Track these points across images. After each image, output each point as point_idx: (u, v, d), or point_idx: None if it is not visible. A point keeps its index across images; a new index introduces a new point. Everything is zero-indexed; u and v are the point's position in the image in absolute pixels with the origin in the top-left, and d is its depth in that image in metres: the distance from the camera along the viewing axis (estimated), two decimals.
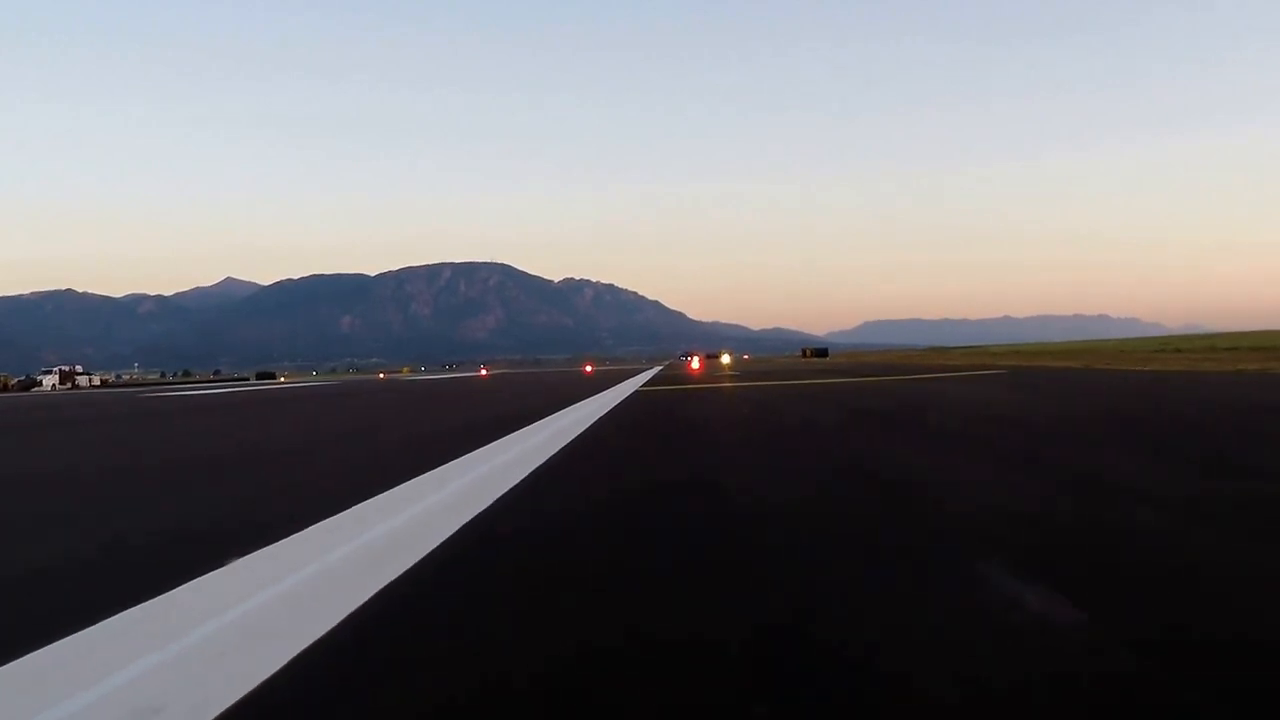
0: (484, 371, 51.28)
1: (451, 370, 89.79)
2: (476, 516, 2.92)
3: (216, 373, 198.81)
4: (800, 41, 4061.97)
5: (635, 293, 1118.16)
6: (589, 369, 43.02)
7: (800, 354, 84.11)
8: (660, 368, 39.61)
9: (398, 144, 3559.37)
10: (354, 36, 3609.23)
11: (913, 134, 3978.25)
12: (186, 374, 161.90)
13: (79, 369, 74.63)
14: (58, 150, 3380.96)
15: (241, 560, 2.29)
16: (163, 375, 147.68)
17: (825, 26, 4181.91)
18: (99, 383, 73.61)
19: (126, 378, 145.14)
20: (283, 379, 65.94)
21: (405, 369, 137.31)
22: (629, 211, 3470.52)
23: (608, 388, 14.10)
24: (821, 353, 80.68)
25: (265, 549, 2.42)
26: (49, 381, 64.78)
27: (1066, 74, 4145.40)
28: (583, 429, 5.68)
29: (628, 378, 22.06)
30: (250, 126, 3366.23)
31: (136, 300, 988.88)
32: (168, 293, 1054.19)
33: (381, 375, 62.34)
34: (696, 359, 49.11)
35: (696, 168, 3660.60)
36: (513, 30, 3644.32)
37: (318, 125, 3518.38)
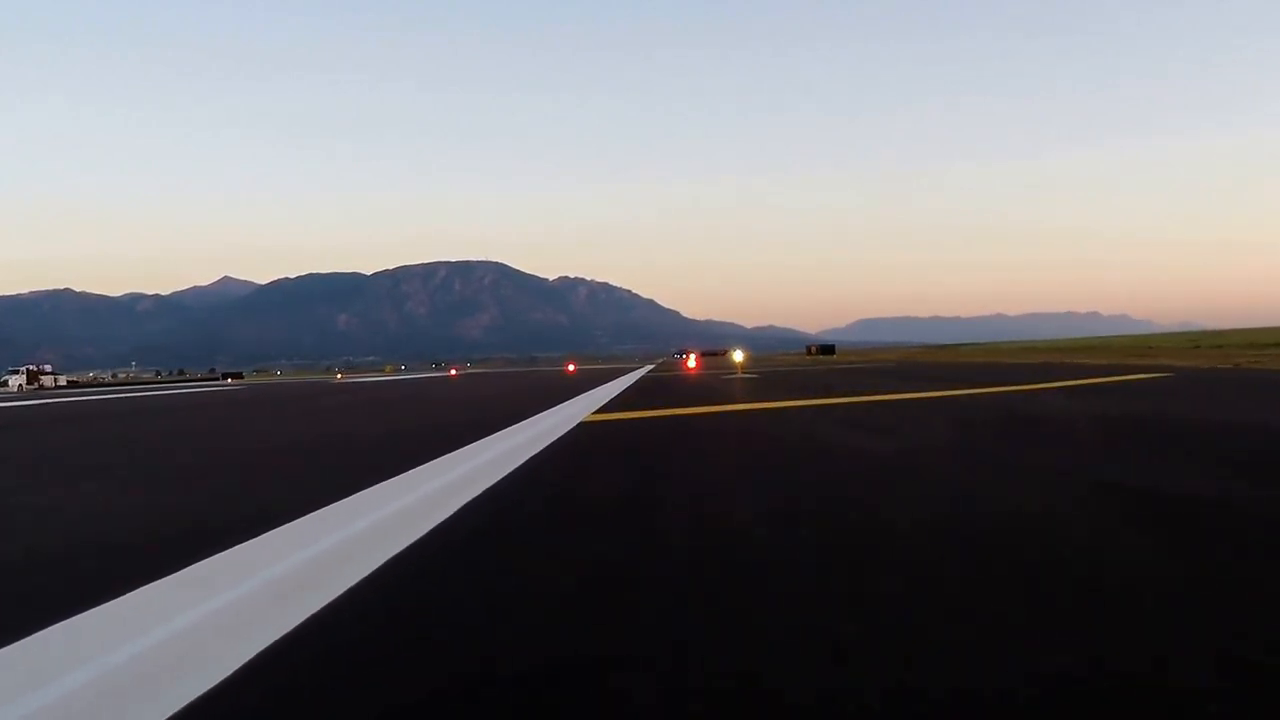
0: (453, 372, 49.38)
1: (436, 369, 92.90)
2: None
3: (211, 371, 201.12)
4: (796, 42, 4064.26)
5: (630, 291, 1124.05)
6: (571, 368, 40.88)
7: (805, 351, 75.16)
8: (651, 367, 34.17)
9: (394, 144, 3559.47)
10: (352, 37, 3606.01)
11: (907, 133, 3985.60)
12: (182, 373, 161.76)
13: (47, 368, 74.86)
14: (57, 150, 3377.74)
15: None
16: (158, 374, 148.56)
17: (817, 27, 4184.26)
18: (65, 383, 73.27)
19: (123, 376, 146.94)
20: (229, 381, 64.05)
21: (388, 368, 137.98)
22: (625, 211, 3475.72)
23: (571, 397, 9.47)
24: (828, 350, 71.95)
25: None
26: (15, 382, 63.78)
27: (1060, 73, 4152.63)
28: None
29: (612, 378, 17.32)
30: (248, 126, 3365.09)
31: (135, 299, 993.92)
32: (165, 292, 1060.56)
33: (339, 375, 56.12)
34: (692, 357, 45.02)
35: (692, 167, 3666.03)
36: (510, 31, 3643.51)
37: (315, 125, 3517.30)
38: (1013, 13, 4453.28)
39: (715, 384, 12.50)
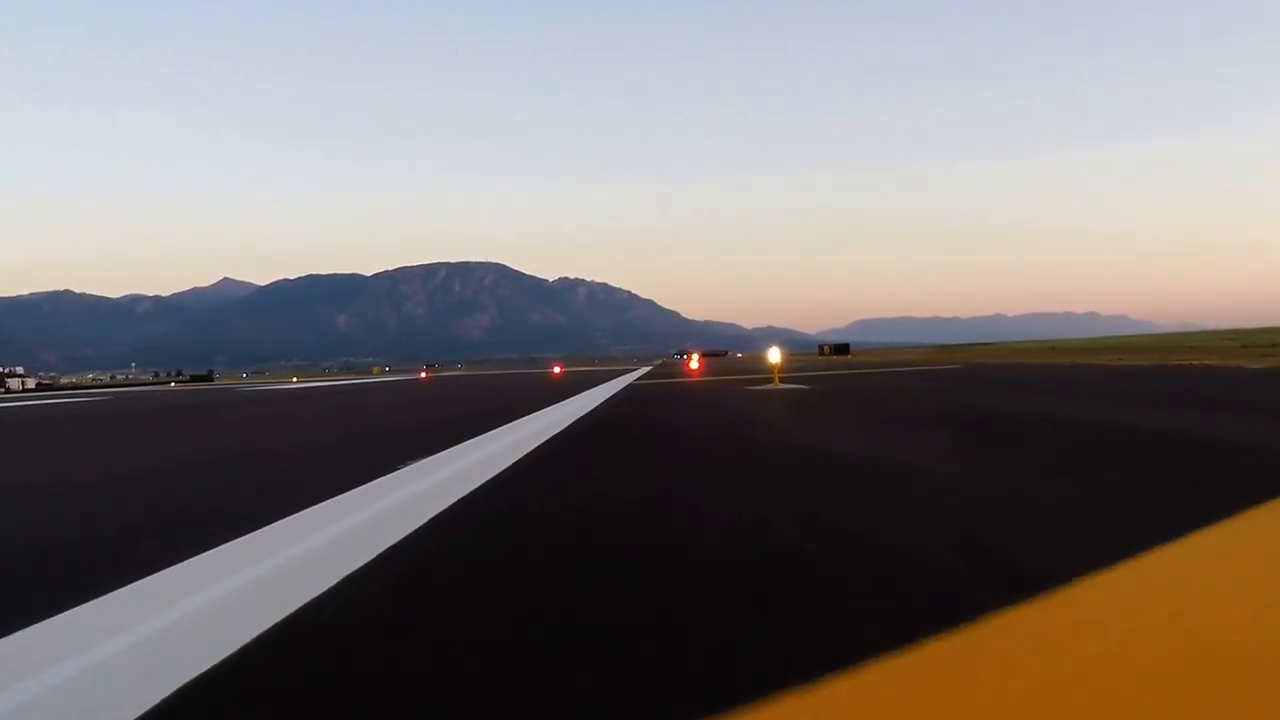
0: (423, 375, 46.99)
1: (426, 369, 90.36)
2: None
3: (208, 372, 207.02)
4: (794, 41, 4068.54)
5: (629, 291, 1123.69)
6: (557, 370, 39.50)
7: (818, 352, 70.07)
8: (647, 369, 31.32)
9: (394, 144, 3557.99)
10: (351, 37, 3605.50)
11: (905, 133, 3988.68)
12: (179, 374, 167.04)
13: (19, 370, 79.01)
14: (56, 151, 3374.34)
15: None
16: (155, 375, 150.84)
17: (818, 26, 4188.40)
18: (34, 386, 76.03)
19: (121, 378, 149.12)
20: (172, 385, 66.57)
21: (375, 369, 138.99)
22: (624, 211, 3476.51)
23: (501, 424, 6.51)
24: (842, 350, 66.99)
25: None
26: None
27: (1059, 71, 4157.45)
28: None
29: (596, 384, 15.09)
30: (247, 127, 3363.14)
31: (134, 300, 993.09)
32: (165, 293, 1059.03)
33: (295, 380, 55.25)
34: (695, 358, 42.62)
35: (691, 168, 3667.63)
36: (509, 31, 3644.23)
37: (315, 126, 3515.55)
38: (1011, 12, 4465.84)
39: (773, 415, 6.61)
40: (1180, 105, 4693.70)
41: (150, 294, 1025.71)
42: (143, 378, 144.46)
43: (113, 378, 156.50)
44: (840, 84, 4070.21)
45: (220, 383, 65.94)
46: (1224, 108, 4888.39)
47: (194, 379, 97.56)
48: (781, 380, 13.23)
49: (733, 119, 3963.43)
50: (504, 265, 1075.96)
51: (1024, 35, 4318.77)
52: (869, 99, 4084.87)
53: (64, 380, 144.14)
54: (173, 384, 73.55)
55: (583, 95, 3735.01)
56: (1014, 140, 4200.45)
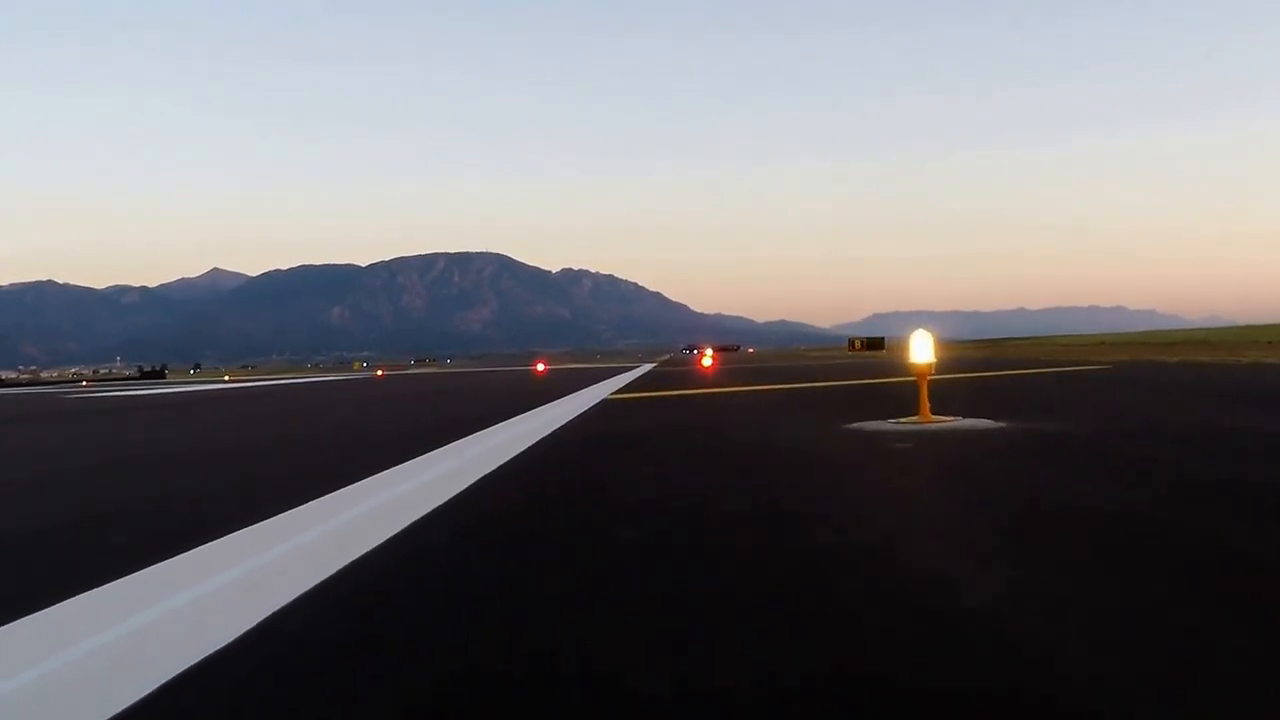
0: (380, 373, 46.88)
1: (415, 365, 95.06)
2: None
3: (196, 366, 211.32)
4: (802, 27, 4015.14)
5: (636, 284, 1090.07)
6: (541, 368, 37.81)
7: (848, 346, 68.08)
8: (649, 366, 30.43)
9: (391, 131, 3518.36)
10: (344, 21, 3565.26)
11: (922, 122, 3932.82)
12: (165, 367, 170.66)
13: None
14: (37, 138, 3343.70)
15: None
16: (139, 370, 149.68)
17: (828, 12, 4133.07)
18: None
19: (103, 373, 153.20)
20: (84, 382, 71.82)
21: (356, 364, 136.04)
22: (632, 201, 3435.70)
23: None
24: (877, 344, 62.04)
25: None
26: None
27: (1082, 58, 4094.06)
28: None
29: (576, 388, 13.40)
30: (237, 113, 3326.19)
31: (120, 291, 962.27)
32: (152, 284, 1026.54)
33: (227, 378, 53.74)
34: (708, 354, 40.29)
35: (700, 158, 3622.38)
36: (509, 17, 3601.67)
37: (307, 111, 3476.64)
38: None
39: None
40: (1202, 95, 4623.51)
41: (136, 285, 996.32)
42: (125, 372, 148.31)
43: (95, 372, 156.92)
44: (854, 72, 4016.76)
45: (169, 380, 67.34)
46: (1256, 94, 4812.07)
47: (145, 375, 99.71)
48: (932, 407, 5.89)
49: (743, 108, 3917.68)
50: (505, 256, 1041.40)
51: (1049, 18, 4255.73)
52: (885, 87, 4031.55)
53: (44, 375, 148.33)
54: (84, 382, 74.53)
55: (590, 82, 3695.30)
56: (1039, 129, 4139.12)
